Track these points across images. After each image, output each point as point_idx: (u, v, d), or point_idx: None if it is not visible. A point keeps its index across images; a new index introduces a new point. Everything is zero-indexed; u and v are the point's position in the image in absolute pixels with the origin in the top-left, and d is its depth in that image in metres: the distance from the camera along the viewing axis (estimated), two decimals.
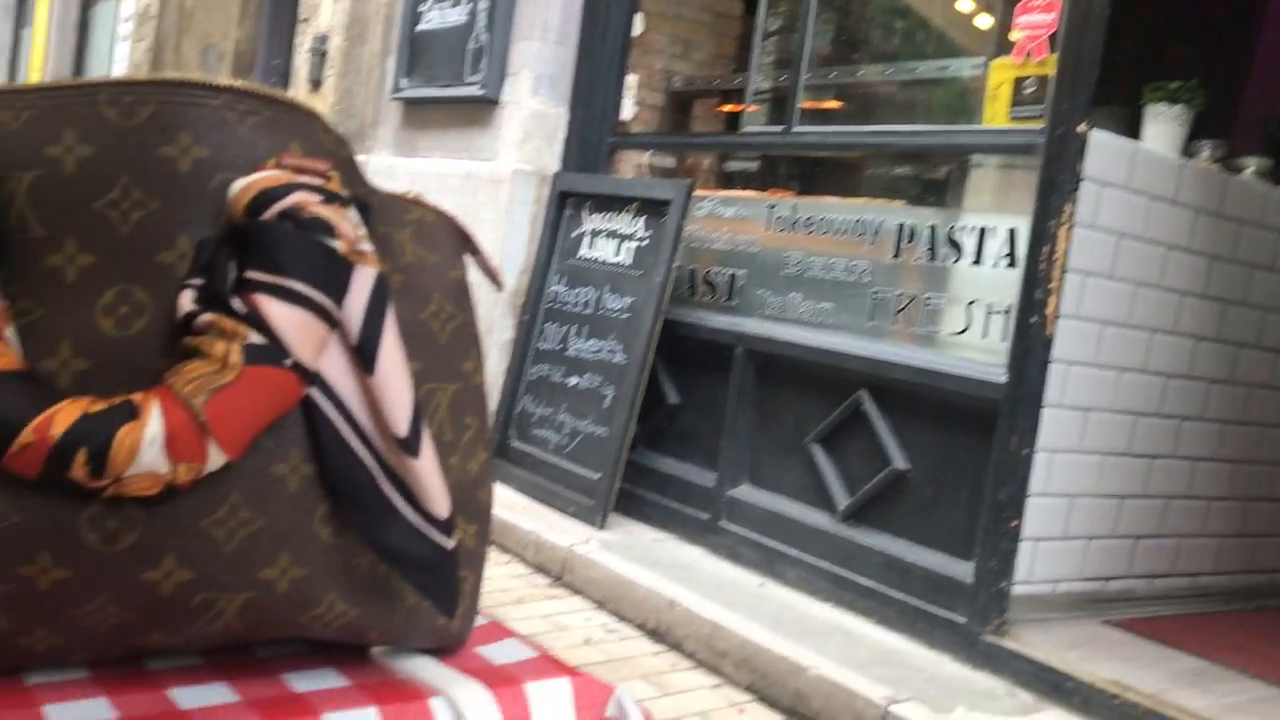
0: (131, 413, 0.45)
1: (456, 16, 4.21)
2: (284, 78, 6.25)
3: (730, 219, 3.33)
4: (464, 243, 0.65)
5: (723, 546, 3.06)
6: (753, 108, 4.32)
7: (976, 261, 2.60)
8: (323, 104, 5.08)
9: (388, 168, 4.48)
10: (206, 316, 0.48)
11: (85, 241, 0.49)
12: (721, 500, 3.10)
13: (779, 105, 3.85)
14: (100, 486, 0.45)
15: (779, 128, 3.43)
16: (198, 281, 0.49)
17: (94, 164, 0.50)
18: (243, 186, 0.50)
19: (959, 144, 2.93)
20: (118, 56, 8.29)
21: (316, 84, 5.16)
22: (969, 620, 2.38)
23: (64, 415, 0.44)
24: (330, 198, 0.51)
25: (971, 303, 2.58)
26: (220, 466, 0.48)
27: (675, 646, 2.57)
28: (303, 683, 0.56)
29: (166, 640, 0.52)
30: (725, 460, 3.13)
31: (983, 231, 2.59)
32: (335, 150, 0.56)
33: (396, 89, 4.54)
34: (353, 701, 0.54)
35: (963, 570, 2.44)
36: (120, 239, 0.49)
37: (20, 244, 0.49)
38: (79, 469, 0.44)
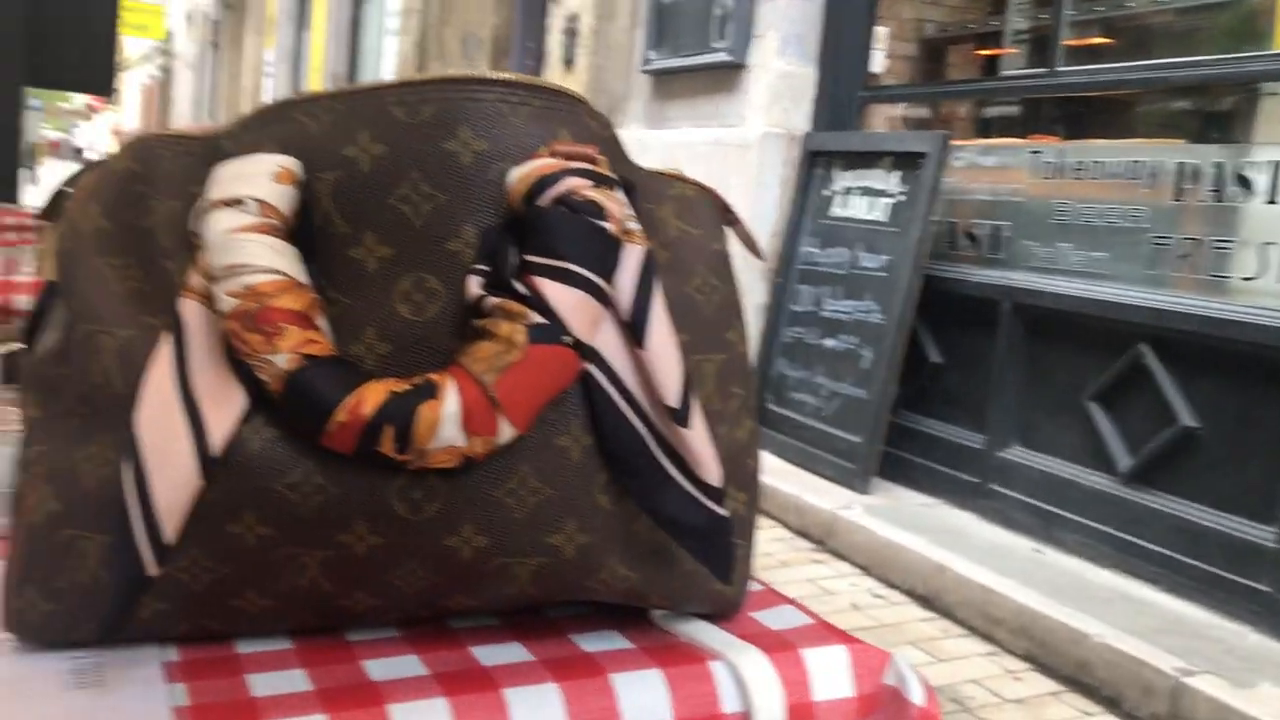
0: (431, 391, 0.49)
1: None
2: (538, 60, 6.48)
3: (991, 168, 3.19)
4: (724, 215, 0.66)
5: (993, 510, 2.96)
6: (1012, 50, 4.11)
7: (1271, 200, 2.37)
8: (575, 82, 5.23)
9: (639, 140, 4.57)
10: (492, 300, 0.51)
11: (382, 234, 0.53)
12: (991, 463, 3.00)
13: (1040, 46, 3.64)
14: (406, 460, 0.49)
15: (1042, 70, 3.25)
16: (483, 267, 0.52)
17: (386, 161, 0.53)
18: (519, 176, 0.53)
19: (1247, 72, 2.68)
20: (386, 51, 8.84)
21: (569, 63, 5.32)
22: (1273, 589, 2.20)
23: (372, 395, 0.48)
24: (599, 181, 0.53)
25: (1267, 244, 2.37)
26: (510, 439, 0.51)
27: (946, 613, 2.51)
28: (590, 644, 0.59)
29: (467, 602, 0.56)
30: (994, 421, 3.01)
31: (1277, 167, 2.36)
32: (601, 134, 0.58)
33: (645, 62, 4.61)
34: (637, 663, 0.57)
35: (1263, 534, 2.26)
36: (413, 230, 0.53)
37: (326, 240, 0.53)
38: (387, 444, 0.48)
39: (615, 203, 0.53)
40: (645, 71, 4.63)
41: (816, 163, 3.75)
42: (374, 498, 0.51)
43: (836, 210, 3.61)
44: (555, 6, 5.48)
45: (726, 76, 4.09)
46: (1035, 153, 3.04)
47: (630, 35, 4.88)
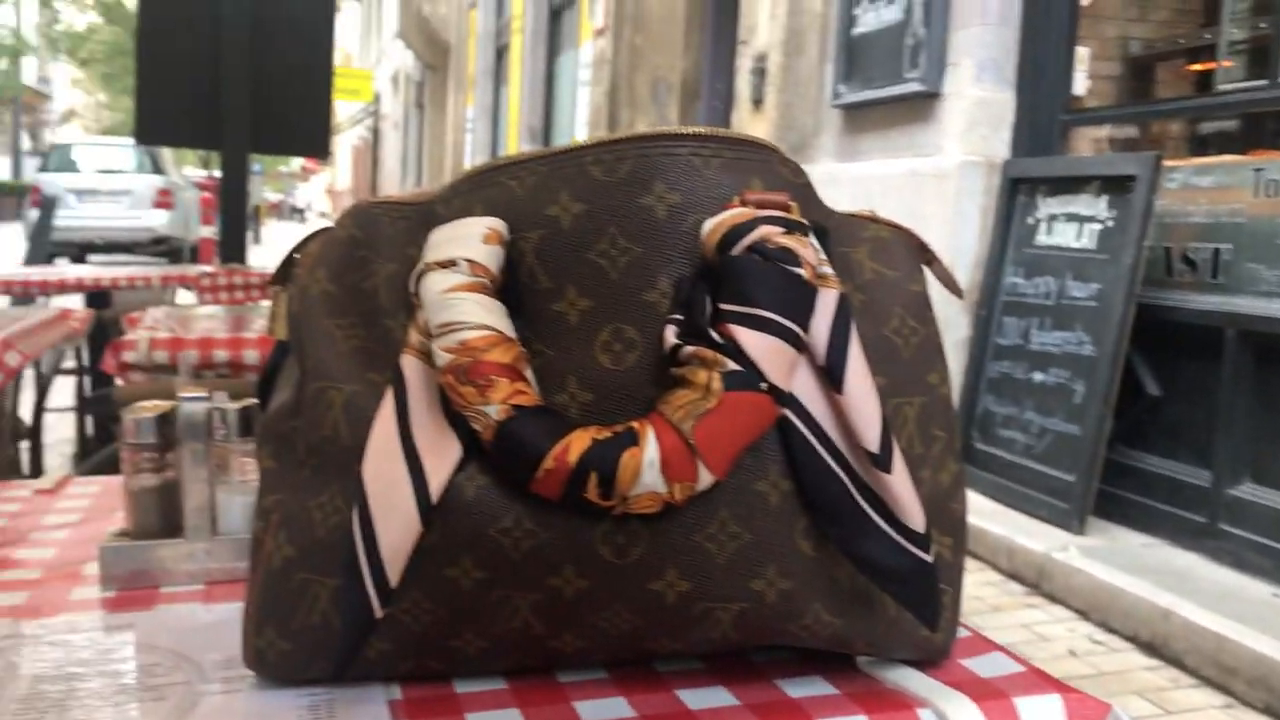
0: (632, 439, 0.50)
1: (892, 14, 4.18)
2: (727, 101, 6.54)
3: (1208, 188, 3.02)
4: (921, 254, 0.65)
5: (1223, 551, 2.77)
6: (1227, 63, 3.88)
7: None
8: (765, 120, 5.25)
9: (830, 175, 4.54)
10: (689, 348, 0.52)
11: (583, 288, 0.55)
12: (1219, 500, 2.81)
13: (1259, 56, 3.42)
14: (610, 505, 0.50)
15: (1262, 81, 3.06)
16: (678, 316, 0.53)
17: (586, 218, 0.55)
18: (712, 226, 0.54)
19: None
20: (580, 101, 9.11)
21: (758, 103, 5.35)
22: None
23: (577, 443, 0.50)
24: (791, 227, 0.54)
25: None
26: (709, 485, 0.51)
27: (1174, 661, 2.36)
28: (795, 689, 0.59)
29: (671, 645, 0.56)
30: (1221, 456, 2.83)
31: None
32: (793, 181, 0.58)
33: (835, 96, 4.59)
34: (842, 709, 0.56)
35: None
36: (611, 283, 0.55)
37: (530, 295, 0.56)
38: (592, 490, 0.50)
39: (808, 248, 0.53)
40: (836, 106, 4.61)
41: (1018, 190, 3.63)
42: (580, 542, 0.53)
43: (1041, 238, 3.49)
44: (744, 47, 5.53)
45: (920, 106, 4.03)
46: (1258, 170, 2.85)
47: (819, 70, 4.87)
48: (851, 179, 4.37)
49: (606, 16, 7.58)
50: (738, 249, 0.53)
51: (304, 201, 54.39)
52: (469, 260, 0.54)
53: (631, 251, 0.55)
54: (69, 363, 3.69)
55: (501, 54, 13.29)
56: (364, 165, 34.10)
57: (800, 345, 0.52)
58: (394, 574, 0.53)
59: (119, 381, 2.18)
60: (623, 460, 0.50)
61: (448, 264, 0.54)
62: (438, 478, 0.53)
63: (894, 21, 4.15)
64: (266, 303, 4.14)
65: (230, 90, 4.75)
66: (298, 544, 0.57)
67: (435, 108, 17.55)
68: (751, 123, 5.37)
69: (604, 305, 0.55)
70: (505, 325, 0.53)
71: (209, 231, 13.05)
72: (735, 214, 0.54)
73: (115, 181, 13.98)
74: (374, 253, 0.61)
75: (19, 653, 0.62)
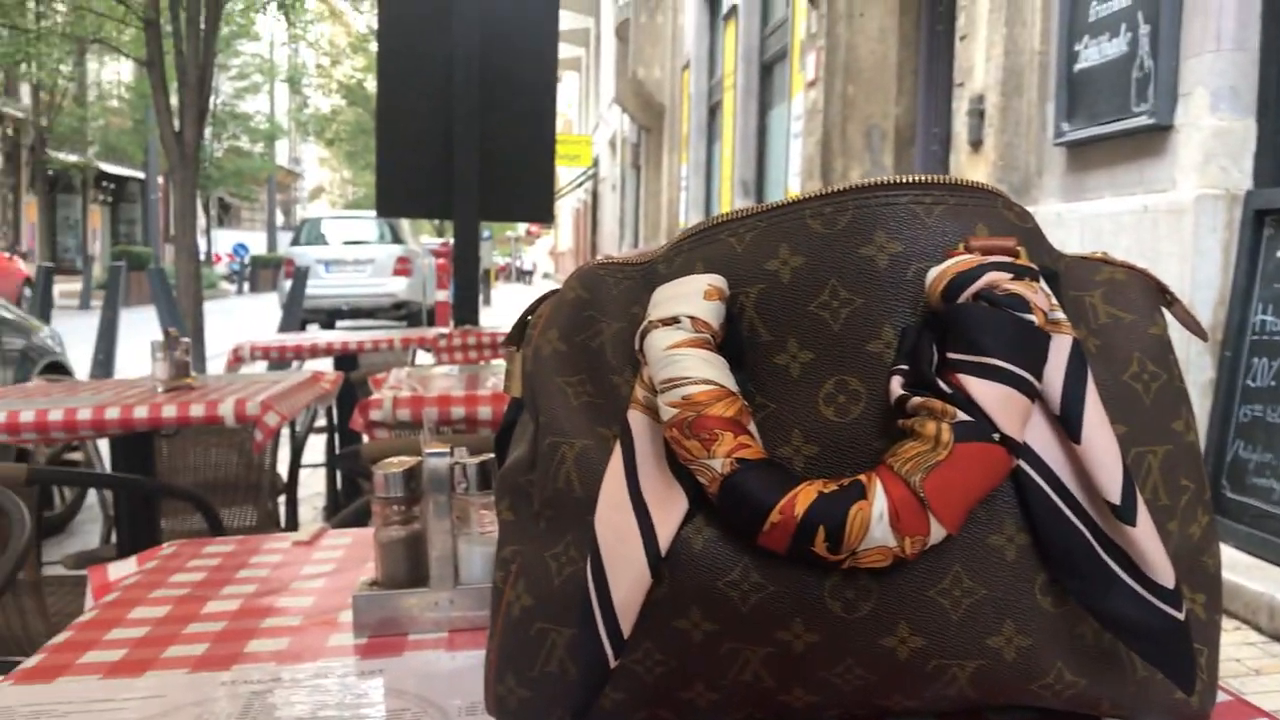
0: (860, 492, 0.50)
1: (1116, 48, 4.01)
2: (944, 144, 6.41)
3: None
4: (1160, 295, 0.62)
5: None
6: None
7: None
8: (984, 162, 5.12)
9: (1055, 215, 4.36)
10: (916, 399, 0.51)
11: (804, 340, 0.56)
12: None
13: None
14: (838, 560, 0.50)
15: None
16: (904, 367, 0.53)
17: (805, 271, 0.56)
18: (937, 274, 0.53)
19: None
20: (792, 153, 9.13)
21: (976, 145, 5.22)
22: None
23: (803, 496, 0.50)
24: (1019, 273, 0.52)
25: None
26: (941, 539, 0.50)
27: None
28: None
29: (905, 702, 0.55)
30: None
31: None
32: (1019, 225, 0.57)
33: (1058, 134, 4.42)
34: None
35: None
36: (833, 335, 0.55)
37: (752, 348, 0.57)
38: (820, 544, 0.50)
39: (1038, 294, 0.52)
40: (1059, 144, 4.44)
41: (1265, 222, 3.39)
42: (809, 596, 0.52)
43: None
44: (959, 90, 5.42)
45: (1151, 140, 3.83)
46: None
47: (1040, 109, 4.71)
48: (1079, 219, 4.18)
49: (817, 68, 7.59)
50: (964, 297, 0.52)
51: (529, 264, 56.62)
52: (691, 316, 0.55)
53: (853, 302, 0.55)
54: (320, 421, 3.96)
55: (714, 112, 13.50)
56: (584, 226, 35.24)
57: (1034, 394, 0.51)
58: (626, 625, 0.54)
59: (366, 438, 2.32)
60: (850, 514, 0.49)
61: (670, 321, 0.56)
62: (665, 530, 0.54)
63: (1119, 55, 3.98)
64: (498, 361, 4.33)
65: (461, 163, 5.03)
66: (535, 594, 0.59)
67: (651, 167, 17.98)
68: (970, 165, 5.24)
69: (826, 357, 0.55)
70: (728, 379, 0.54)
71: (444, 295, 13.79)
72: (960, 261, 0.53)
73: (359, 252, 15.01)
74: (600, 312, 0.63)
75: (278, 695, 0.66)
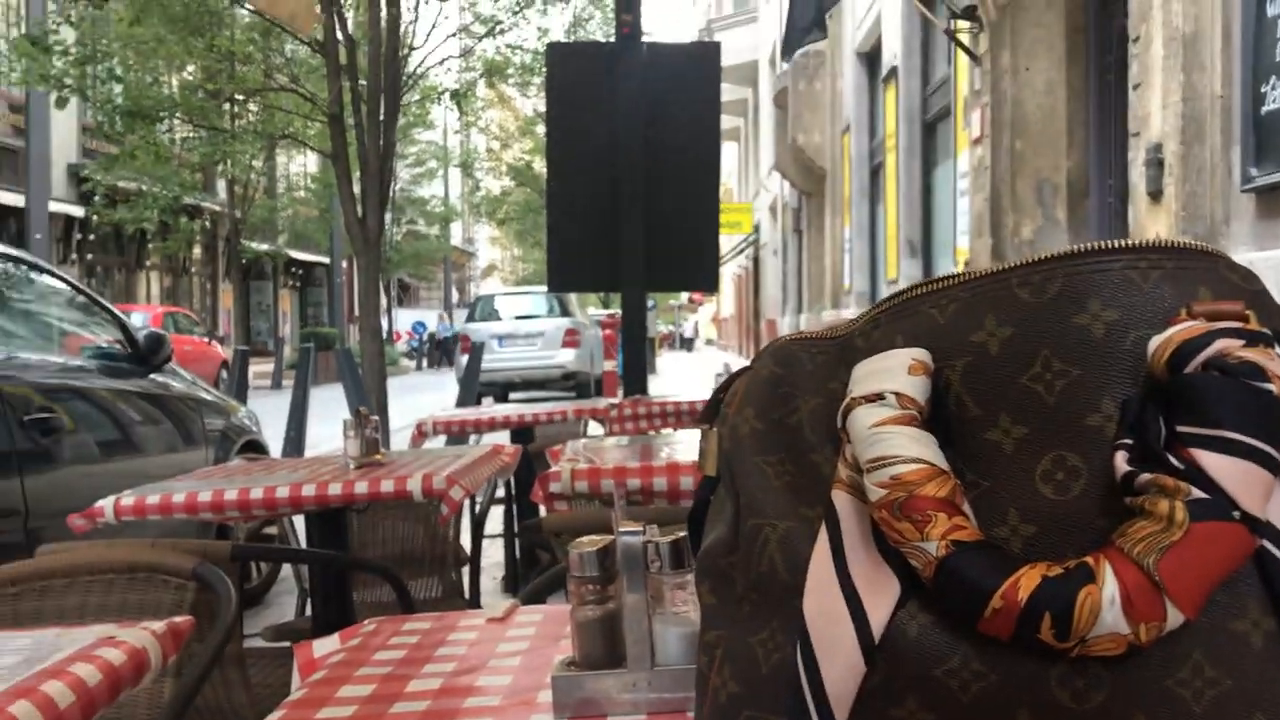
0: (1088, 575, 0.47)
1: None
2: (1120, 196, 6.17)
3: None
4: None
5: None
6: None
7: None
8: (1165, 213, 4.89)
9: (1248, 264, 4.12)
10: (1145, 476, 0.48)
11: (1017, 415, 0.53)
12: None
13: None
14: (1066, 647, 0.47)
15: None
16: (1128, 441, 0.50)
17: (1015, 343, 0.54)
18: (1160, 343, 0.50)
19: None
20: (960, 211, 8.95)
21: (1156, 195, 5.00)
22: None
23: (1027, 580, 0.48)
24: (1252, 339, 0.49)
25: None
26: (1178, 625, 0.47)
27: None
28: None
29: None
30: None
31: None
32: (1244, 287, 0.54)
33: (1246, 180, 4.20)
34: None
35: None
36: (1048, 408, 0.53)
37: (960, 424, 0.55)
38: (1046, 631, 0.47)
39: (1275, 360, 0.49)
40: (1246, 190, 4.22)
41: None
42: (1034, 686, 0.50)
43: None
44: (1135, 140, 5.22)
45: None
46: None
47: (1224, 155, 4.49)
48: (1273, 267, 3.94)
49: (983, 125, 7.46)
50: (1192, 366, 0.49)
51: (691, 331, 57.03)
52: (896, 393, 0.54)
53: (1068, 374, 0.53)
54: (500, 493, 4.05)
55: (876, 173, 13.40)
56: (746, 292, 35.32)
57: (1275, 468, 0.47)
58: (841, 715, 0.52)
59: (544, 510, 2.36)
60: (1079, 599, 0.47)
61: (874, 398, 0.55)
62: (878, 615, 0.52)
63: None
64: (668, 431, 4.35)
65: (627, 237, 5.12)
66: (742, 680, 0.58)
67: (812, 231, 17.92)
68: (1150, 216, 5.02)
69: (1042, 432, 0.53)
70: (938, 458, 0.53)
71: (611, 365, 14.03)
72: (1186, 328, 0.50)
73: (530, 326, 15.47)
74: (795, 389, 0.62)
75: None
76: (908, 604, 0.52)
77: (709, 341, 55.93)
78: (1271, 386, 0.48)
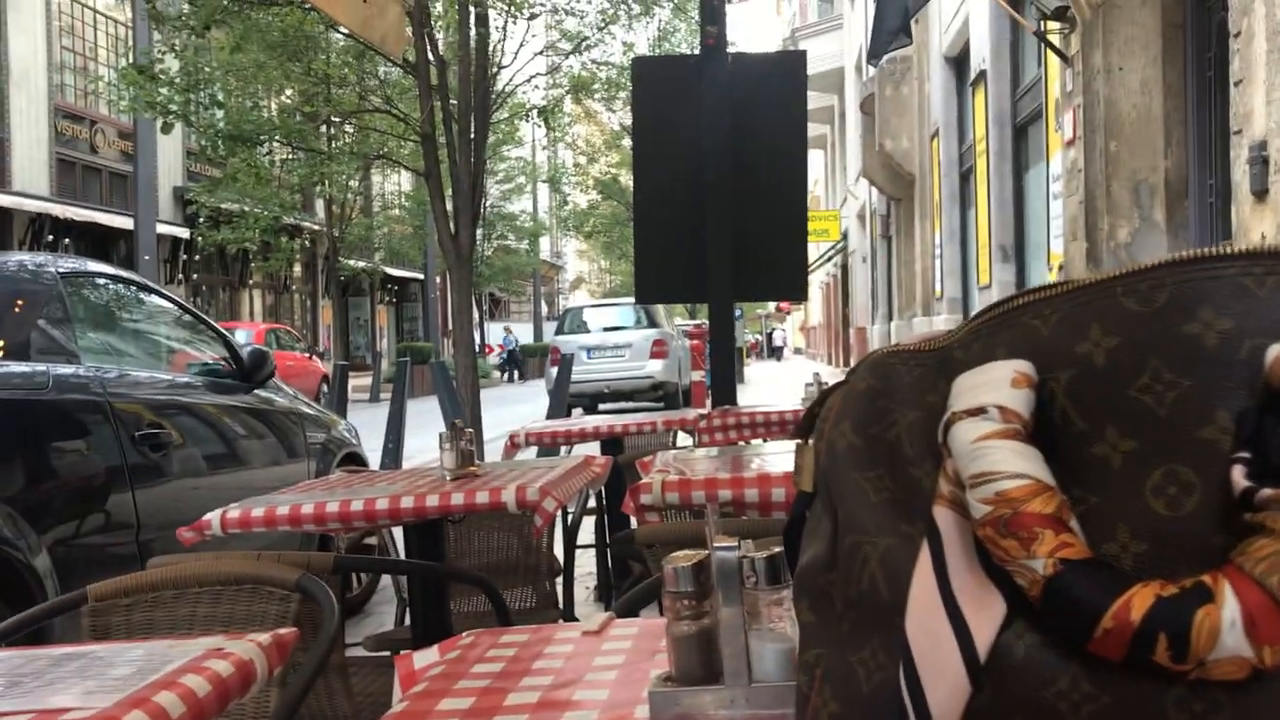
0: (1205, 595, 0.45)
1: None
2: (1222, 195, 5.97)
3: None
4: None
5: None
6: None
7: None
8: (1271, 211, 4.72)
9: None
10: (1265, 492, 0.46)
11: (1125, 428, 0.52)
12: None
13: None
14: (1183, 670, 0.46)
15: None
16: (1246, 455, 0.48)
17: (1122, 353, 0.52)
18: (1277, 355, 0.48)
19: None
20: (1053, 214, 8.75)
21: (1261, 194, 4.83)
22: None
23: (1139, 599, 0.46)
24: None
25: None
26: None
27: None
28: None
29: None
30: None
31: None
32: None
33: None
34: None
35: None
36: (1158, 421, 0.51)
37: (1065, 438, 0.53)
38: (1161, 653, 0.46)
39: None
40: None
41: None
42: (1149, 709, 0.48)
43: None
44: (1237, 138, 5.05)
45: None
46: None
47: None
48: None
49: (1075, 126, 7.28)
50: None
51: (780, 340, 56.69)
52: (999, 406, 0.53)
53: (1179, 385, 0.51)
54: (591, 503, 4.07)
55: (966, 177, 13.18)
56: (834, 300, 35.00)
57: None
58: None
59: (635, 521, 2.36)
60: (1196, 619, 0.45)
61: (976, 411, 0.53)
62: (983, 635, 0.51)
63: None
64: (757, 441, 4.32)
65: (714, 249, 5.11)
66: (843, 700, 0.57)
67: (902, 237, 17.69)
68: (1255, 215, 4.85)
69: (1152, 445, 0.51)
70: (1044, 473, 0.51)
71: (699, 376, 14.03)
72: None
73: (618, 337, 15.54)
74: (893, 402, 0.61)
75: None
76: (1014, 623, 0.51)
77: (797, 350, 55.53)
78: None
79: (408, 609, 2.80)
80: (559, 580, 3.28)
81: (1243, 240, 5.05)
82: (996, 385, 0.54)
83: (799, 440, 0.66)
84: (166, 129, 9.54)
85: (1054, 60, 7.89)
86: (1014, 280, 10.84)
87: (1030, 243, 10.46)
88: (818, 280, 40.49)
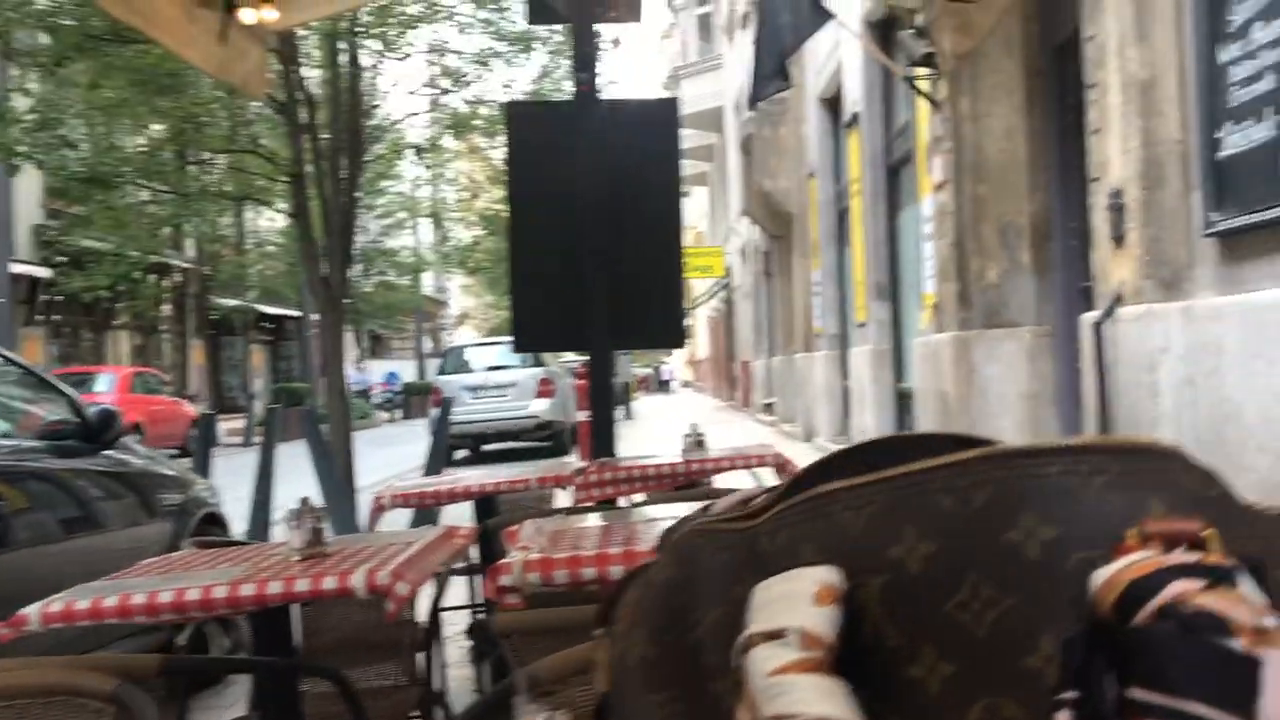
0: None
1: (1262, 132, 3.79)
2: (1082, 239, 6.15)
3: None
4: None
5: None
6: None
7: None
8: (1129, 258, 4.87)
9: (1214, 310, 4.09)
10: None
11: (943, 649, 0.45)
12: None
13: None
14: None
15: None
16: (1072, 695, 0.42)
17: (939, 561, 0.46)
18: (1106, 580, 0.43)
19: None
20: (925, 255, 8.95)
21: (1119, 239, 4.98)
22: None
23: None
24: (1213, 576, 0.41)
25: None
26: None
27: None
28: None
29: None
30: None
31: None
32: (1203, 494, 0.46)
33: (1208, 225, 4.18)
34: None
35: None
36: (978, 643, 0.45)
37: (878, 655, 0.47)
38: None
39: (1240, 605, 0.41)
40: (1209, 235, 4.20)
41: None
42: None
43: None
44: (1095, 184, 5.22)
45: None
46: None
47: (1185, 200, 4.48)
48: (1238, 312, 3.91)
49: (945, 170, 7.46)
50: (1144, 614, 0.41)
51: (668, 374, 56.96)
52: (800, 632, 0.46)
53: (1000, 603, 0.45)
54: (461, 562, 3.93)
55: (843, 216, 13.43)
56: (720, 334, 35.34)
57: None
58: None
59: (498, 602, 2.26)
60: None
61: (775, 635, 0.46)
62: None
63: (1266, 138, 3.75)
64: (639, 497, 4.25)
65: (592, 297, 5.05)
66: None
67: (782, 275, 17.94)
68: (1115, 260, 5.00)
69: (972, 672, 0.45)
70: (848, 709, 0.44)
71: (585, 415, 13.94)
72: (1134, 564, 0.42)
73: (502, 376, 15.34)
74: (694, 598, 0.54)
75: None
76: None
77: (686, 384, 55.90)
78: (1237, 642, 0.40)
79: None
80: (430, 650, 3.13)
81: (1103, 283, 5.21)
82: (798, 601, 0.47)
83: (597, 631, 0.59)
84: (11, 171, 9.09)
85: (924, 105, 8.08)
86: (890, 318, 11.05)
87: (905, 282, 10.68)
88: (704, 314, 40.86)
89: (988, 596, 0.45)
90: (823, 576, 0.48)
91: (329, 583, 2.16)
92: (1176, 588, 0.41)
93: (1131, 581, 0.42)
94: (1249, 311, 3.86)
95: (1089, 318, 5.17)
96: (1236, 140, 3.98)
